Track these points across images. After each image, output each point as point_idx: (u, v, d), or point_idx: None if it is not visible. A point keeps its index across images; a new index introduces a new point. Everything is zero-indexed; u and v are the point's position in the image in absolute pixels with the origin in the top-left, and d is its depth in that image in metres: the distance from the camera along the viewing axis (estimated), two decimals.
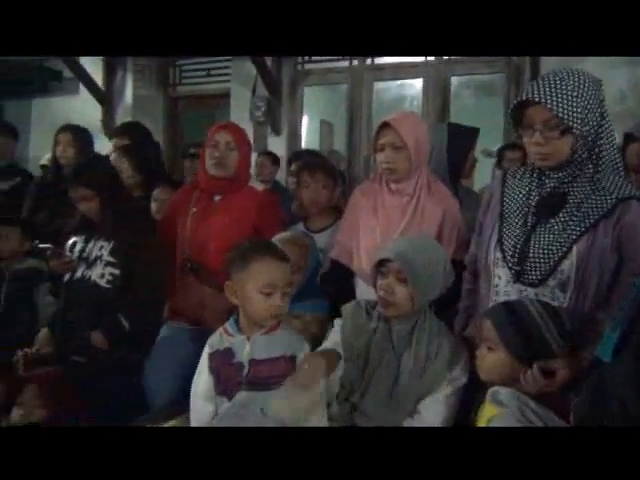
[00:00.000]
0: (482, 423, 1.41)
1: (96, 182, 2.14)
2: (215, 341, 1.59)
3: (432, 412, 1.56)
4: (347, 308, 1.76)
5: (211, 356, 1.57)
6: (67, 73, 5.69)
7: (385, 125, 1.94)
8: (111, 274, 2.13)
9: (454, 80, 4.46)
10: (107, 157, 2.59)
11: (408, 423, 1.58)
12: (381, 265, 1.64)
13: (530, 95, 1.44)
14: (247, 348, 1.52)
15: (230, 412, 1.50)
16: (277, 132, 4.97)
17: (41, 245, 2.25)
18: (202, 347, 2.04)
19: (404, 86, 4.69)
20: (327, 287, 2.15)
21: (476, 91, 4.70)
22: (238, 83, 5.12)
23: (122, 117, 5.35)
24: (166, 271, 2.24)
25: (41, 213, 2.98)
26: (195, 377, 1.62)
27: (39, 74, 5.59)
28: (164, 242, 2.28)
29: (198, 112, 5.60)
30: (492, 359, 1.44)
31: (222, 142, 2.29)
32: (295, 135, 4.98)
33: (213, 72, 5.53)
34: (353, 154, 4.75)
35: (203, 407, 1.56)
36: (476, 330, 1.61)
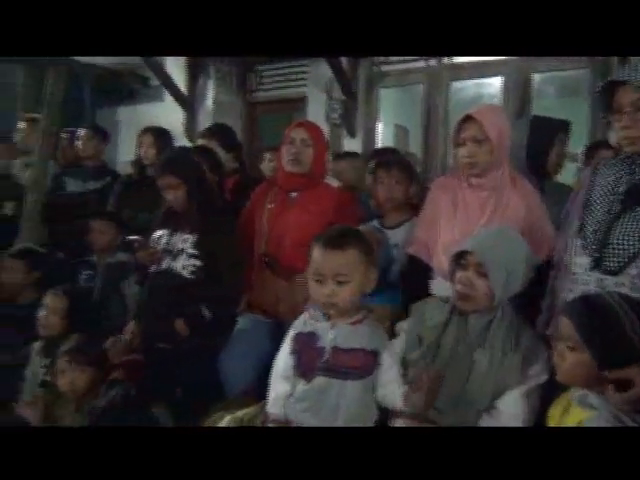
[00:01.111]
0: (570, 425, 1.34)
1: (183, 171, 2.23)
2: (300, 323, 1.61)
3: (511, 409, 1.51)
4: (417, 304, 1.73)
5: (295, 337, 1.60)
6: (153, 81, 5.97)
7: (467, 119, 1.91)
8: (194, 265, 2.21)
9: (536, 77, 4.30)
10: (195, 149, 2.69)
11: (485, 420, 1.53)
12: (460, 258, 1.61)
13: (618, 76, 1.39)
14: (331, 335, 1.54)
15: (307, 395, 1.52)
16: (352, 134, 4.99)
17: (130, 237, 2.36)
18: (277, 339, 2.09)
19: (482, 85, 4.57)
20: (404, 283, 2.14)
21: (560, 89, 4.51)
22: (315, 86, 5.18)
23: (203, 122, 5.54)
24: (244, 265, 2.31)
25: (126, 210, 3.14)
26: (277, 357, 1.66)
27: (128, 81, 5.89)
28: (243, 237, 2.35)
29: (275, 116, 5.70)
30: (574, 359, 1.33)
31: (298, 139, 2.34)
32: (370, 137, 4.97)
33: (291, 77, 5.63)
34: (429, 155, 4.68)
35: (280, 386, 1.60)
36: (554, 328, 1.55)
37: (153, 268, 2.27)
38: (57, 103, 3.27)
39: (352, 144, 4.93)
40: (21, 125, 3.79)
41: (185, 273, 2.22)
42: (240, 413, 1.84)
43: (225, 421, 1.80)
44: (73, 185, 3.49)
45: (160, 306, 2.19)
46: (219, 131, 3.08)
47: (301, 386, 1.55)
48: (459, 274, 1.60)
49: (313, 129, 2.41)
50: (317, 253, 1.55)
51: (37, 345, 2.47)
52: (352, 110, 4.96)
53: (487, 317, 1.60)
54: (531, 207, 1.92)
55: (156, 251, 2.24)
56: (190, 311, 2.16)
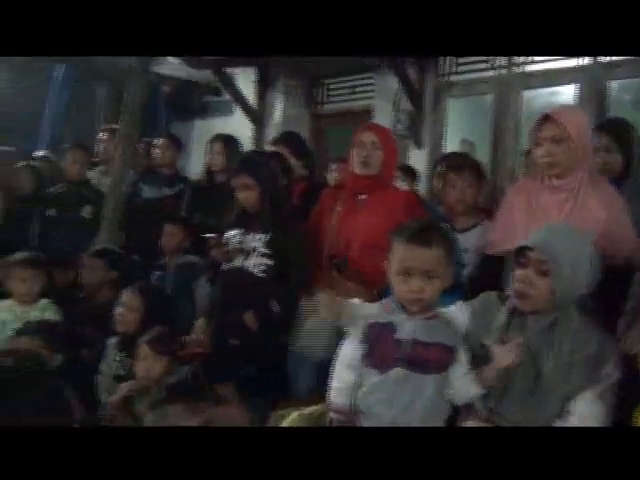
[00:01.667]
0: None
1: (258, 172, 2.29)
2: (374, 313, 1.59)
3: (585, 411, 1.45)
4: (475, 303, 1.67)
5: (369, 327, 1.57)
6: (224, 95, 6.18)
7: (546, 118, 1.87)
8: (265, 264, 2.26)
9: (613, 85, 4.15)
10: (272, 153, 2.75)
11: (559, 424, 1.47)
12: (520, 254, 1.54)
13: None
14: (409, 327, 1.52)
15: (381, 386, 1.51)
16: (419, 145, 4.96)
17: (205, 235, 2.43)
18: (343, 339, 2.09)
19: (555, 93, 4.44)
20: (473, 287, 2.10)
21: (637, 96, 4.32)
22: (381, 98, 5.20)
23: (271, 134, 5.66)
24: (313, 266, 2.33)
25: (196, 214, 3.25)
26: (343, 346, 1.65)
27: (200, 95, 6.12)
28: (311, 239, 2.38)
29: (342, 128, 5.75)
30: None
31: (367, 142, 2.35)
32: (437, 148, 4.93)
33: (358, 89, 5.68)
34: (498, 165, 4.58)
35: (346, 375, 1.59)
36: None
37: (225, 266, 2.33)
38: (135, 114, 3.43)
39: (418, 155, 4.91)
40: (101, 135, 4.00)
41: (256, 272, 2.27)
42: (308, 410, 1.85)
43: (293, 417, 1.81)
44: (149, 192, 3.64)
45: (231, 303, 2.24)
46: (289, 138, 3.14)
47: (374, 377, 1.53)
48: (518, 272, 1.54)
49: (382, 132, 2.43)
50: (403, 249, 1.52)
51: (112, 340, 2.57)
52: (419, 121, 4.94)
53: (548, 319, 1.53)
54: (611, 210, 1.85)
55: (229, 250, 2.30)
56: (260, 305, 2.20)
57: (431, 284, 1.51)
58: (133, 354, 2.28)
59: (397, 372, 1.49)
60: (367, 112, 5.37)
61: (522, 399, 1.51)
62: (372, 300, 1.97)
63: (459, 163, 2.43)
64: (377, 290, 2.11)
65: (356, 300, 1.60)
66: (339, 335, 2.21)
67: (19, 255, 2.59)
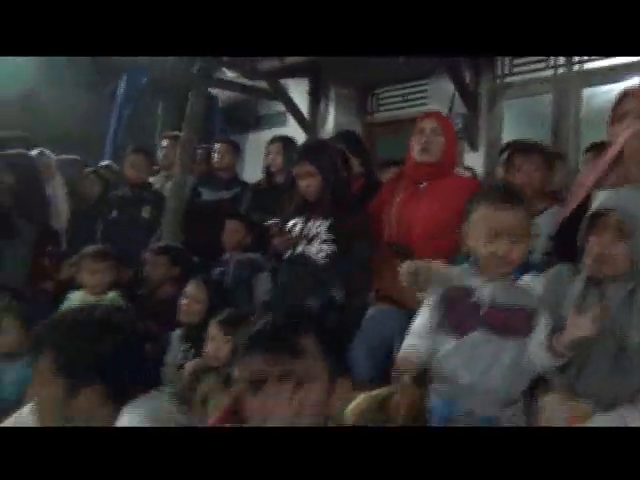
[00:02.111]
0: None
1: (320, 160, 2.31)
2: (454, 276, 1.57)
3: None
4: (547, 276, 1.62)
5: (447, 292, 1.56)
6: (276, 107, 6.31)
7: (626, 94, 1.83)
8: (327, 250, 2.27)
9: None
10: (333, 142, 2.78)
11: None
12: (596, 218, 1.49)
13: None
14: (488, 291, 1.49)
15: (459, 350, 1.49)
16: (474, 148, 4.89)
17: (268, 222, 2.46)
18: (404, 329, 2.07)
19: (617, 90, 4.32)
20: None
21: None
22: (435, 103, 5.16)
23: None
24: (374, 254, 2.32)
25: (255, 214, 3.29)
26: (417, 314, 1.63)
27: (254, 108, 6.26)
28: (373, 227, 2.37)
29: (394, 136, 5.75)
30: None
31: (428, 128, 2.34)
32: (494, 149, 4.85)
33: (409, 97, 5.67)
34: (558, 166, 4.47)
35: (418, 342, 1.57)
36: None
37: (288, 253, 2.35)
38: (197, 119, 3.54)
39: (474, 158, 4.84)
40: (163, 143, 4.13)
41: (319, 258, 2.27)
42: (374, 392, 1.83)
43: (359, 399, 1.80)
44: (207, 194, 3.73)
45: (294, 290, 2.25)
46: (347, 136, 3.16)
47: (450, 342, 1.51)
48: (593, 237, 1.48)
49: (443, 119, 2.42)
50: (486, 211, 1.50)
51: (177, 333, 2.62)
52: (474, 123, 4.88)
53: (627, 286, 1.46)
54: None
55: (292, 237, 2.31)
56: (322, 292, 2.19)
57: (517, 246, 1.49)
58: (198, 345, 2.32)
59: (475, 336, 1.47)
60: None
61: (602, 373, 1.44)
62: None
63: (526, 147, 2.38)
64: None
65: (437, 264, 1.58)
66: (402, 321, 2.22)
67: (89, 248, 2.69)
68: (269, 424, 1.03)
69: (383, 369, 2.07)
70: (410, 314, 2.12)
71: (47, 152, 3.54)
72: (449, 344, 1.50)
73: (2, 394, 2.20)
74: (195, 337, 2.42)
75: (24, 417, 1.34)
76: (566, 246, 1.87)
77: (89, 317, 1.27)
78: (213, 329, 2.20)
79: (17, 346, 2.34)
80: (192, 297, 2.51)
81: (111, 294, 2.65)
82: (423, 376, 1.80)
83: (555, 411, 1.42)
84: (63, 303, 2.61)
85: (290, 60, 5.36)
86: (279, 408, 1.02)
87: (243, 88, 5.16)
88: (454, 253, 1.94)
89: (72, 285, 2.84)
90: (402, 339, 2.10)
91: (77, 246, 3.23)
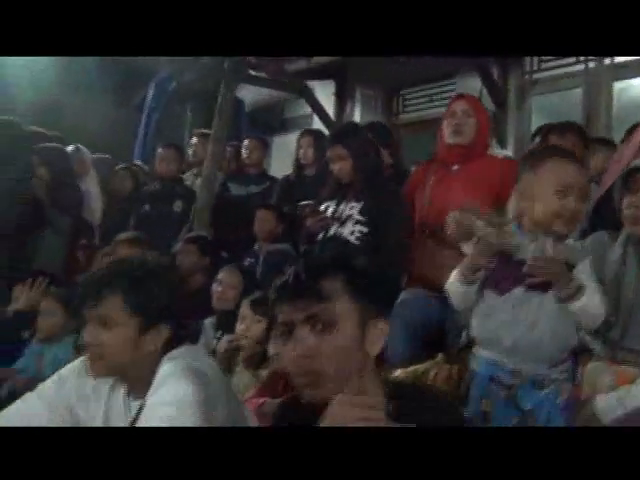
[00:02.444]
0: None
1: (352, 143, 2.32)
2: (492, 236, 1.54)
3: None
4: (588, 241, 1.61)
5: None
6: (302, 110, 6.36)
7: None
8: (360, 232, 2.27)
9: None
10: (365, 125, 2.79)
11: None
12: (630, 178, 1.47)
13: None
14: (532, 248, 1.46)
15: (503, 308, 1.47)
16: (503, 144, 4.85)
17: (301, 203, 2.46)
18: (438, 312, 2.06)
19: None
20: None
21: None
22: None
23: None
24: (407, 236, 2.31)
25: (285, 206, 3.30)
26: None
27: (280, 112, 6.32)
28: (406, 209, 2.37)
29: (420, 136, 5.74)
30: None
31: (459, 110, 2.34)
32: (522, 146, 4.80)
33: (435, 97, 5.66)
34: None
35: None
36: None
37: (320, 235, 2.35)
38: (227, 115, 3.58)
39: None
40: (193, 140, 4.19)
41: (352, 239, 2.27)
42: (411, 367, 1.82)
43: (397, 373, 1.79)
44: (237, 189, 3.77)
45: None
46: (376, 127, 3.16)
47: (493, 300, 1.48)
48: (628, 198, 1.46)
49: (474, 101, 2.42)
50: (558, 164, 1.46)
51: (209, 321, 2.63)
52: (502, 120, 4.85)
53: None
54: None
55: (325, 217, 2.32)
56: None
57: (583, 206, 1.46)
58: (231, 331, 2.32)
59: (518, 291, 1.44)
60: None
61: None
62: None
63: (560, 126, 2.36)
64: None
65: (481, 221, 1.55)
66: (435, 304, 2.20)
67: (123, 234, 2.73)
68: (299, 373, 1.01)
69: (418, 353, 2.06)
70: (442, 297, 2.12)
71: (82, 148, 3.61)
72: (492, 302, 1.48)
73: (43, 374, 2.21)
74: (228, 324, 2.42)
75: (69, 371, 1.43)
76: (604, 222, 1.84)
77: (154, 264, 1.39)
78: (244, 309, 2.20)
79: (58, 329, 2.42)
80: (226, 283, 2.52)
81: None
82: (461, 350, 1.79)
83: (600, 376, 1.38)
84: None
85: (316, 61, 5.42)
86: (310, 351, 1.00)
87: (271, 84, 5.18)
88: None
89: None
90: (435, 322, 2.09)
91: (109, 241, 3.30)
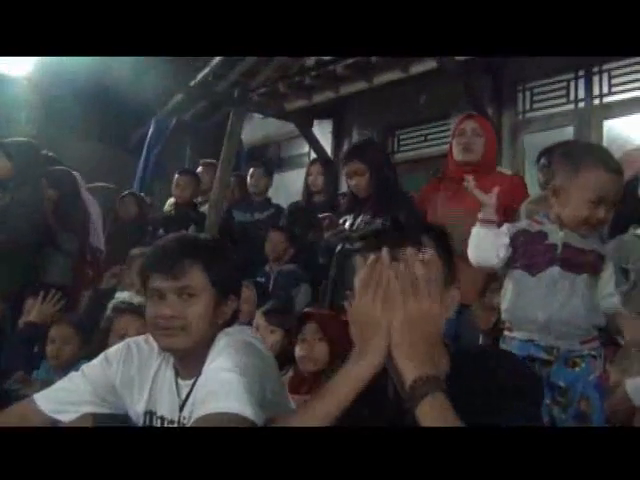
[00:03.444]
0: None
1: (369, 157, 2.40)
2: (523, 223, 1.60)
3: None
4: (614, 241, 1.69)
5: (516, 235, 1.59)
6: (297, 150, 6.50)
7: None
8: None
9: None
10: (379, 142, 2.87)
11: None
12: None
13: None
14: (561, 234, 1.53)
15: (536, 287, 1.51)
16: None
17: (321, 215, 2.51)
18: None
19: (637, 122, 4.45)
20: None
21: None
22: None
23: (343, 183, 5.86)
24: None
25: (296, 229, 3.36)
26: None
27: (277, 151, 6.46)
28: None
29: (415, 174, 5.88)
30: None
31: (468, 129, 2.44)
32: None
33: (430, 137, 5.84)
34: None
35: None
36: None
37: (339, 247, 2.40)
38: (234, 143, 3.68)
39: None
40: (199, 169, 4.28)
41: None
42: None
43: None
44: (241, 217, 3.83)
45: (346, 282, 2.27)
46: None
47: (525, 279, 1.53)
48: None
49: (483, 120, 2.52)
50: (601, 176, 1.48)
51: None
52: (496, 157, 5.00)
53: None
54: None
55: (343, 230, 2.37)
56: None
57: (611, 212, 1.52)
58: None
59: (553, 271, 1.49)
60: (441, 157, 5.48)
61: None
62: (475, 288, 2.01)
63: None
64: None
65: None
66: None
67: (138, 249, 2.75)
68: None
69: None
70: (461, 309, 2.16)
71: None
72: (525, 281, 1.52)
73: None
74: None
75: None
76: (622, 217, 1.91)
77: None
78: (258, 319, 2.22)
79: (74, 356, 2.30)
80: (242, 298, 2.53)
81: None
82: None
83: (629, 362, 1.42)
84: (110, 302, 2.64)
85: (315, 101, 5.60)
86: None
87: (277, 114, 5.32)
88: None
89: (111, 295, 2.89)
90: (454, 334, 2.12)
91: (115, 261, 3.32)
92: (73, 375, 1.42)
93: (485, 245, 1.59)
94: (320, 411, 0.96)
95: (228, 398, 1.15)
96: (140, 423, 1.40)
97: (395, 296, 0.93)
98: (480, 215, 1.62)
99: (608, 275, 1.50)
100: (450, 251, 1.05)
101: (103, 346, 1.95)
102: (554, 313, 1.45)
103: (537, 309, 1.47)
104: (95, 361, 1.43)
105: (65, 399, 1.37)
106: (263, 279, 3.09)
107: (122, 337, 1.91)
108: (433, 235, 1.03)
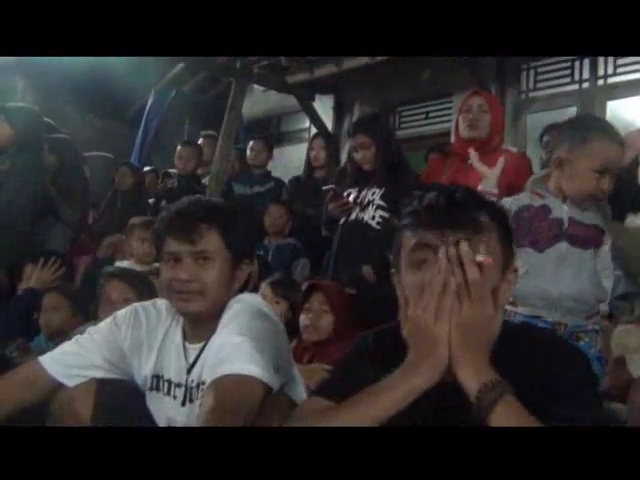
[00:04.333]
0: None
1: (374, 131, 2.39)
2: (524, 197, 1.59)
3: None
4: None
5: (521, 209, 1.58)
6: (297, 125, 6.45)
7: None
8: (381, 216, 2.33)
9: None
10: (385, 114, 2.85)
11: None
12: None
13: None
14: (565, 208, 1.52)
15: (545, 263, 1.51)
16: None
17: (325, 187, 2.50)
18: None
19: None
20: None
21: None
22: None
23: (344, 158, 5.83)
24: None
25: (296, 205, 3.34)
26: None
27: (277, 125, 6.41)
28: None
29: (416, 153, 5.84)
30: None
31: (475, 105, 2.41)
32: None
33: (432, 114, 5.80)
34: None
35: None
36: None
37: (342, 220, 2.39)
38: (236, 114, 3.64)
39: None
40: (200, 141, 4.24)
41: (373, 223, 2.31)
42: None
43: None
44: (241, 190, 3.81)
45: (349, 254, 2.28)
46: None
47: (533, 257, 1.53)
48: None
49: (489, 96, 2.50)
50: (606, 146, 1.49)
51: None
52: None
53: None
54: None
55: (347, 202, 2.36)
56: (376, 258, 2.22)
57: (612, 182, 1.52)
58: None
59: (561, 247, 1.49)
60: (442, 135, 5.46)
61: None
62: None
63: None
64: None
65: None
66: None
67: (138, 218, 2.73)
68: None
69: None
70: None
71: None
72: (532, 259, 1.52)
73: None
74: None
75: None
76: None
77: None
78: (265, 290, 2.23)
79: (64, 325, 2.30)
80: None
81: (156, 265, 2.67)
82: None
83: (629, 338, 1.43)
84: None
85: (317, 75, 5.53)
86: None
87: (278, 87, 5.26)
88: None
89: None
90: None
91: (110, 230, 3.30)
92: (81, 338, 1.41)
93: None
94: (371, 412, 0.90)
95: (243, 361, 1.15)
96: (147, 386, 1.40)
97: (451, 303, 0.86)
98: (479, 187, 1.60)
99: (606, 250, 1.50)
100: (508, 229, 0.96)
101: (96, 315, 1.96)
102: (564, 289, 1.46)
103: (550, 285, 1.48)
104: (103, 324, 1.42)
105: (73, 362, 1.36)
106: (262, 252, 3.08)
107: (109, 303, 1.92)
108: (490, 211, 0.94)
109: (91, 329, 1.43)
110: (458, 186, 0.98)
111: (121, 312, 1.43)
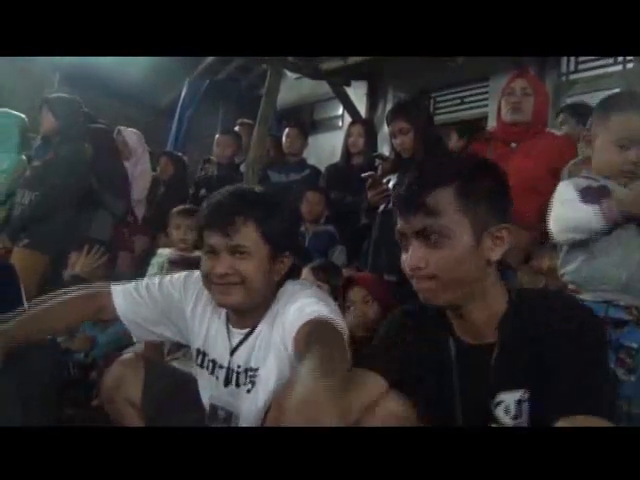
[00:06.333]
0: None
1: (413, 116, 2.36)
2: (581, 182, 1.55)
3: None
4: None
5: (582, 190, 1.53)
6: (330, 113, 6.41)
7: None
8: None
9: None
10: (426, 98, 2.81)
11: None
12: None
13: None
14: (619, 188, 1.48)
15: (613, 247, 1.48)
16: None
17: (364, 174, 2.47)
18: None
19: None
20: None
21: None
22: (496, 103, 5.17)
23: (381, 145, 5.77)
24: None
25: (334, 192, 3.32)
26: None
27: (311, 113, 6.39)
28: None
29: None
30: None
31: (518, 88, 2.35)
32: None
33: (468, 99, 5.69)
34: None
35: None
36: None
37: (382, 207, 2.37)
38: (273, 100, 3.63)
39: None
40: (236, 128, 4.26)
41: None
42: None
43: None
44: (277, 177, 3.81)
45: (388, 242, 2.25)
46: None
47: (599, 242, 1.48)
48: None
49: (533, 79, 2.43)
50: (623, 118, 1.46)
51: None
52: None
53: None
54: None
55: (387, 189, 2.33)
56: None
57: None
58: None
59: (628, 228, 1.45)
60: (479, 120, 5.36)
61: None
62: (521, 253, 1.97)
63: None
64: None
65: None
66: None
67: (179, 207, 2.77)
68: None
69: None
70: (506, 273, 2.12)
71: (125, 130, 3.64)
72: (599, 244, 1.48)
73: (97, 352, 2.39)
74: None
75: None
76: None
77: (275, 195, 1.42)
78: (306, 274, 2.22)
79: None
80: None
81: (197, 253, 2.70)
82: None
83: None
84: (152, 259, 2.68)
85: (351, 61, 5.48)
86: (420, 262, 1.05)
87: (313, 73, 5.23)
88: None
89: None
90: None
91: (152, 221, 3.34)
92: (151, 286, 1.44)
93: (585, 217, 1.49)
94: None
95: (322, 309, 1.20)
96: (197, 362, 1.44)
97: None
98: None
99: None
100: (505, 185, 1.07)
101: None
102: (634, 272, 1.41)
103: (617, 269, 1.43)
104: (174, 279, 1.45)
105: (139, 311, 1.41)
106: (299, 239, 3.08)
107: None
108: (446, 179, 1.04)
109: (165, 280, 1.46)
110: (414, 172, 1.08)
111: (194, 276, 1.44)
